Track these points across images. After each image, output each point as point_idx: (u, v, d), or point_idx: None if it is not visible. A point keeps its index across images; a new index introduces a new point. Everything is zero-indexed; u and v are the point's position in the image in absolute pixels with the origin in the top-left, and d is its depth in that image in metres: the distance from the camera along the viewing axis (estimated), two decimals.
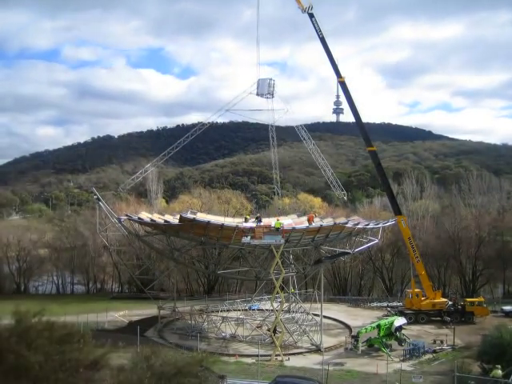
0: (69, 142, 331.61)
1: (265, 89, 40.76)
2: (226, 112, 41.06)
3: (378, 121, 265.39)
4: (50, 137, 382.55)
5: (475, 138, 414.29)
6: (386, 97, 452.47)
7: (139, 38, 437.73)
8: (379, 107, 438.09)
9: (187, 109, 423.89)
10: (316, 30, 41.75)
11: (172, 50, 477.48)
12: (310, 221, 38.47)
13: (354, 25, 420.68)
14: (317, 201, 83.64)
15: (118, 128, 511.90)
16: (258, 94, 40.89)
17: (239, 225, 35.93)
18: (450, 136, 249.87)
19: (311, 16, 41.40)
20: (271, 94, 40.98)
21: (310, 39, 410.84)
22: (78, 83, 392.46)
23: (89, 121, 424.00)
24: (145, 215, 40.24)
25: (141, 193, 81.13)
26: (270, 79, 41.13)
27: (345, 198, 44.59)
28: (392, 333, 33.63)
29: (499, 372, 22.66)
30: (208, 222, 34.52)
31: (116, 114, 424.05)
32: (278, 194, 48.26)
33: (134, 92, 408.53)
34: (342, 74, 42.50)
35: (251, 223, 37.87)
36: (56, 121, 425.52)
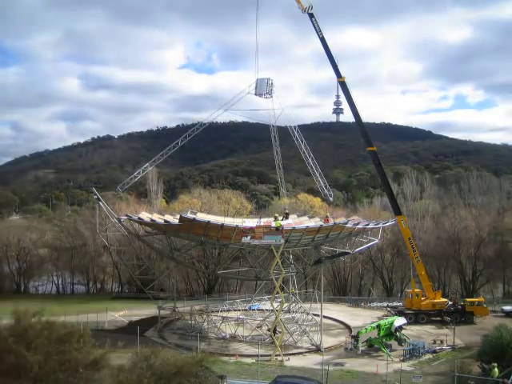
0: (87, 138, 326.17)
1: (263, 88, 40.76)
2: (224, 112, 41.05)
3: (377, 121, 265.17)
4: (66, 133, 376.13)
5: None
6: (425, 87, 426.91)
7: (168, 16, 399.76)
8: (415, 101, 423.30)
9: (216, 104, 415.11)
10: (316, 30, 41.68)
11: (209, 33, 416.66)
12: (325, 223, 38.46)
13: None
14: (317, 201, 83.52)
15: (138, 123, 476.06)
16: (256, 94, 40.86)
17: (239, 225, 35.93)
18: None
19: (311, 16, 41.37)
20: (270, 94, 41.00)
21: (350, 21, 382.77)
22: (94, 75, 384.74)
23: (109, 116, 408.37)
24: (145, 215, 40.21)
25: (141, 193, 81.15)
26: (268, 79, 41.11)
27: (331, 198, 44.51)
28: (392, 333, 33.62)
29: (496, 370, 22.76)
30: (208, 222, 34.49)
31: (136, 108, 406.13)
32: (282, 194, 48.45)
33: (156, 85, 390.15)
34: (343, 74, 42.56)
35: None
36: (69, 116, 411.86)
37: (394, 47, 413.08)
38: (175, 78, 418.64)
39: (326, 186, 42.19)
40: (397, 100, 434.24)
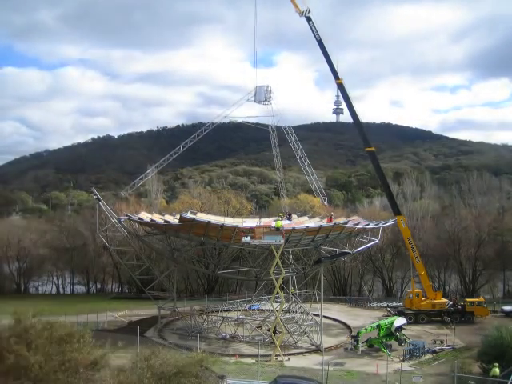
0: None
1: (262, 95, 41.26)
2: (225, 117, 41.63)
3: (378, 121, 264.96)
4: (80, 130, 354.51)
5: None
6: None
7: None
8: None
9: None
10: (313, 33, 41.67)
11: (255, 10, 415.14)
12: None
13: None
14: (317, 201, 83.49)
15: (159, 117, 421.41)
16: (255, 101, 41.40)
17: (239, 225, 35.94)
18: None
19: (308, 19, 41.34)
20: (268, 101, 41.52)
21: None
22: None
23: (127, 111, 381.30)
24: (145, 215, 40.27)
25: (141, 193, 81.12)
26: (267, 86, 41.64)
27: (325, 202, 44.95)
28: (392, 333, 33.63)
29: (497, 370, 22.73)
30: (208, 222, 34.52)
31: (160, 101, 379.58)
32: (282, 196, 49.11)
33: (183, 74, 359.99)
34: (340, 76, 42.56)
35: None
36: (84, 112, 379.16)
37: (449, 28, 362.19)
38: (208, 66, 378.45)
39: (320, 191, 42.75)
40: (441, 96, 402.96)
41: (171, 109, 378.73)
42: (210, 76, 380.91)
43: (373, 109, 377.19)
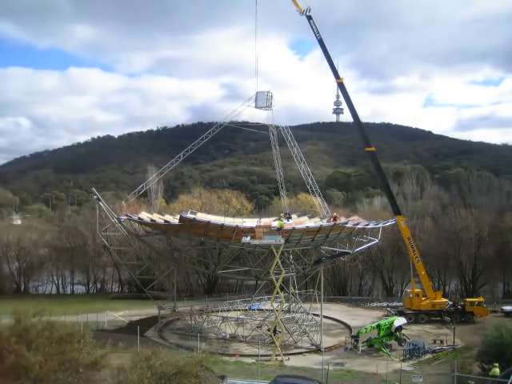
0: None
1: (263, 102, 41.21)
2: (226, 124, 41.62)
3: (377, 121, 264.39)
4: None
5: None
6: None
7: None
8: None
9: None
10: (314, 32, 41.63)
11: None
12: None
13: None
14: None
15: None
16: (256, 107, 41.35)
17: (239, 225, 35.95)
18: None
19: (309, 18, 41.30)
20: (269, 107, 41.51)
21: None
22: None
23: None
24: (145, 215, 40.27)
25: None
26: (268, 92, 41.57)
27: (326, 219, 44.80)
28: (392, 333, 33.65)
29: (497, 370, 22.74)
30: (208, 222, 34.53)
31: (184, 94, 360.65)
32: (282, 196, 49.34)
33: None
34: (340, 76, 42.55)
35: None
36: (99, 108, 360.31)
37: None
38: (239, 51, 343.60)
39: (326, 210, 43.18)
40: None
41: (193, 102, 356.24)
42: (241, 63, 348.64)
43: (403, 102, 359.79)
